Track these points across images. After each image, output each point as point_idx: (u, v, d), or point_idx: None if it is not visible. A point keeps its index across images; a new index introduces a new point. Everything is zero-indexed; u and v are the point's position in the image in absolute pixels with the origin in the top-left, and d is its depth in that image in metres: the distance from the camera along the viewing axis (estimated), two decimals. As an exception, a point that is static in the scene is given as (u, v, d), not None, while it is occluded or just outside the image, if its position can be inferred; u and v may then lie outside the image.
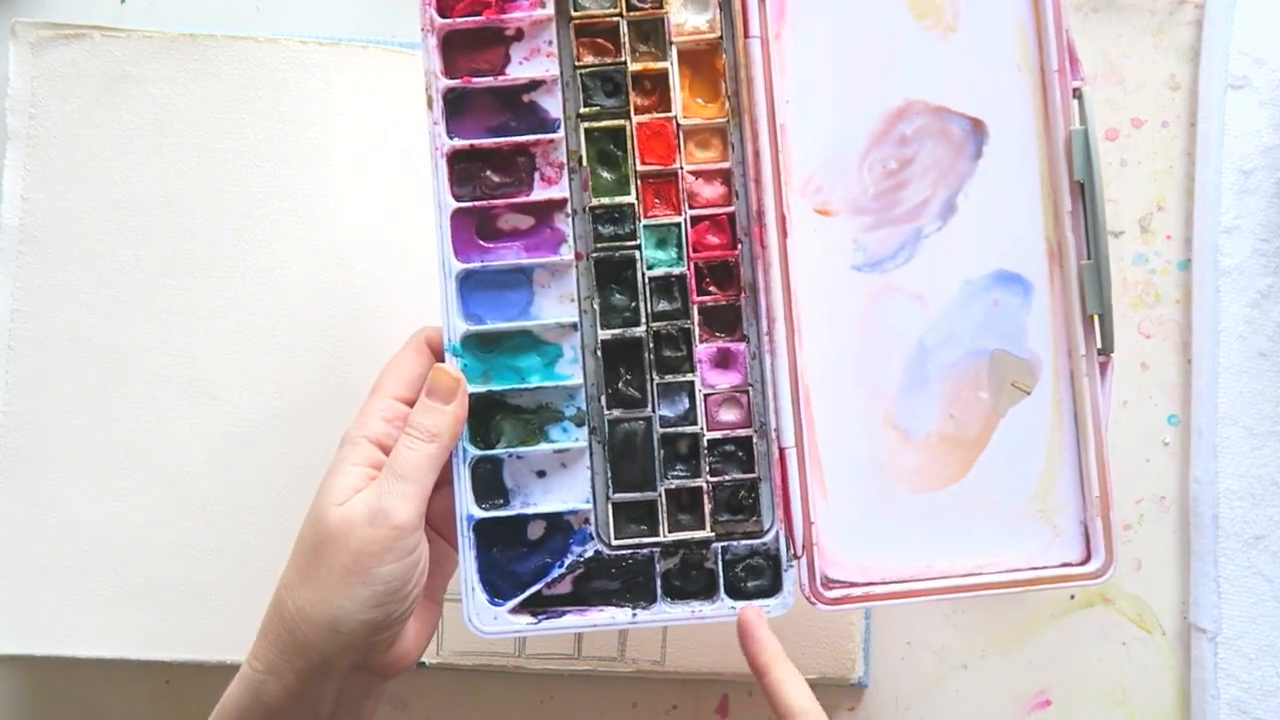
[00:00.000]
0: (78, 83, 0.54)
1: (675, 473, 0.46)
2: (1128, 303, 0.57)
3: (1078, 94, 0.47)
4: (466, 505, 0.45)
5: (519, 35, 0.46)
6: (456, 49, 0.46)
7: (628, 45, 0.46)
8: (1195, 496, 0.56)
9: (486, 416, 0.46)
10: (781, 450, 0.46)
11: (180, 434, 0.54)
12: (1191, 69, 0.58)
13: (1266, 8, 0.56)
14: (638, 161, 0.46)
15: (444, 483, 0.45)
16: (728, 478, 0.46)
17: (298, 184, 0.54)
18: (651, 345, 0.46)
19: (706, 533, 0.46)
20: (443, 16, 0.46)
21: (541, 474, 0.46)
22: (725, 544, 0.46)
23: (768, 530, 0.46)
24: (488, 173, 0.46)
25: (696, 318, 0.46)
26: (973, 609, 0.56)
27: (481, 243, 0.46)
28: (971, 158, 0.47)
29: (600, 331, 0.46)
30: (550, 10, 0.46)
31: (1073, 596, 0.56)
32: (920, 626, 0.56)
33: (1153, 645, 0.56)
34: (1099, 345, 0.47)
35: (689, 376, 0.46)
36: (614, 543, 0.46)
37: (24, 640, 0.53)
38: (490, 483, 0.46)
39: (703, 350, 0.46)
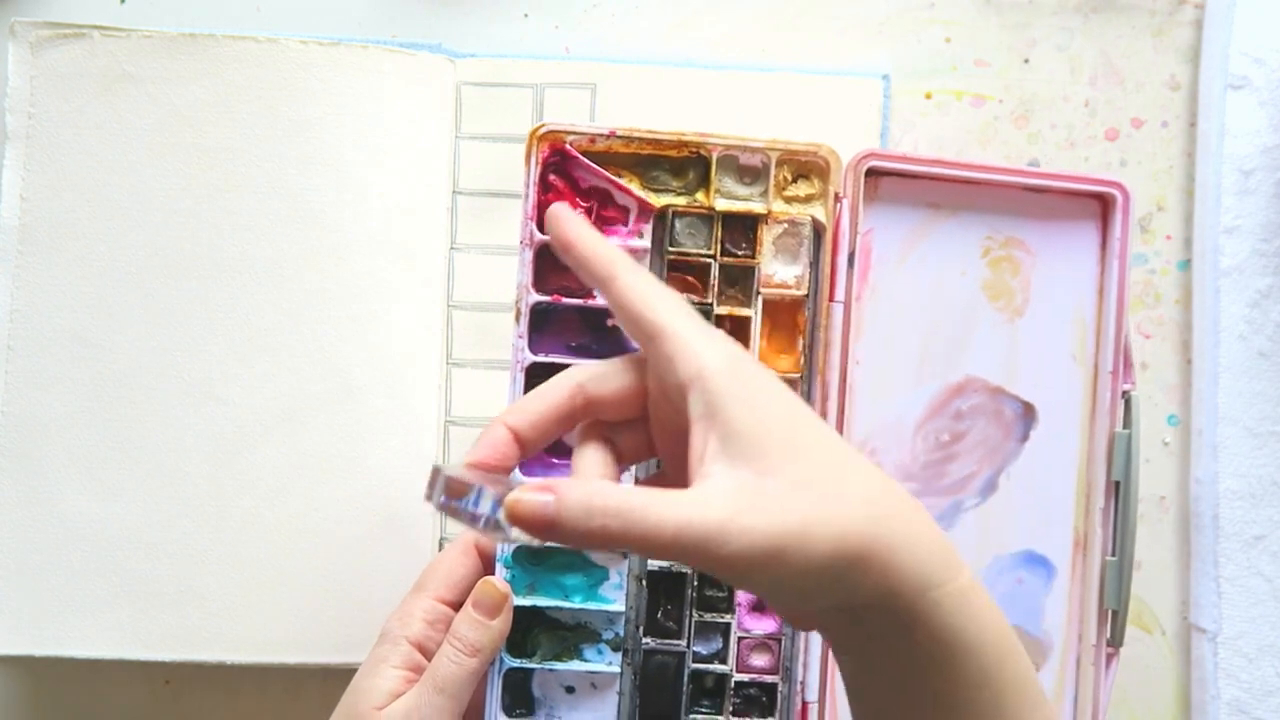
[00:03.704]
0: (77, 82, 0.54)
1: (699, 708, 0.47)
2: (1127, 303, 0.57)
3: (1126, 397, 0.47)
4: (495, 715, 0.45)
5: None
6: (548, 262, 0.46)
7: (716, 287, 0.47)
8: (1195, 497, 0.56)
9: (525, 627, 0.46)
10: (804, 704, 0.46)
11: (180, 434, 0.53)
12: (1191, 69, 0.58)
13: (1266, 8, 0.56)
14: None
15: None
16: None
17: (298, 184, 0.54)
18: (695, 582, 0.47)
19: None
20: (542, 232, 0.46)
21: (570, 690, 0.47)
22: None
23: None
24: None
25: None
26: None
27: (549, 457, 0.47)
28: (1018, 440, 0.48)
29: (648, 561, 0.47)
30: (647, 242, 0.47)
31: (1073, 597, 0.56)
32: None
33: (1153, 645, 0.56)
34: (1109, 637, 0.48)
35: (726, 618, 0.47)
36: None
37: (24, 640, 0.53)
38: (519, 690, 0.46)
39: (743, 594, 0.47)
